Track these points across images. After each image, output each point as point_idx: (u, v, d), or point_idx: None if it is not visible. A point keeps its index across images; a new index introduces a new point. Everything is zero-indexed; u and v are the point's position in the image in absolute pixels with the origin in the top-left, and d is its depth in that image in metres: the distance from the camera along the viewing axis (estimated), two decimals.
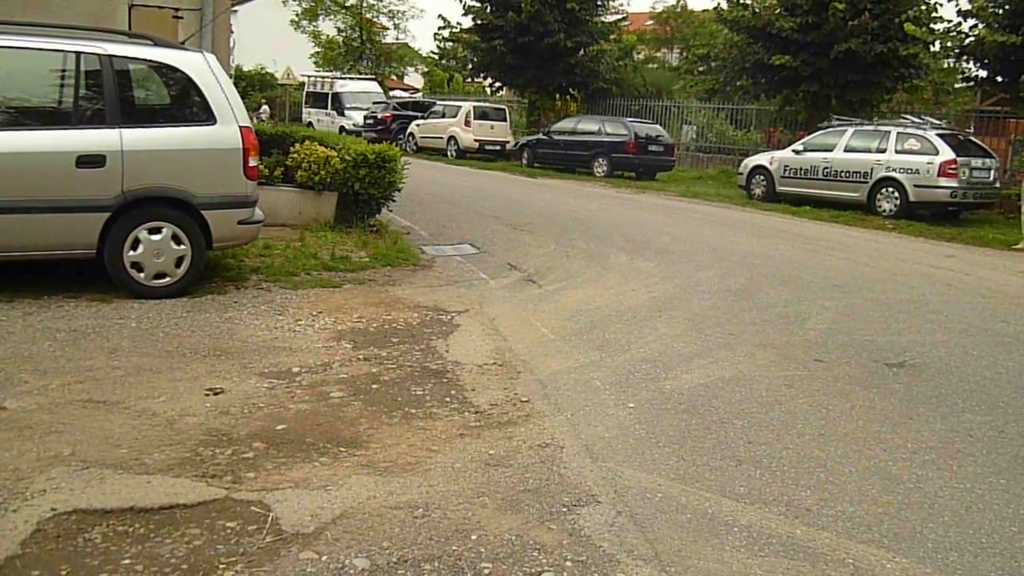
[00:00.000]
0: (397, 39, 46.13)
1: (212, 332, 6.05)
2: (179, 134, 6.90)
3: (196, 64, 6.99)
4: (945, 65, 20.81)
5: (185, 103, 7.07)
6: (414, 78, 51.76)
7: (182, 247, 6.84)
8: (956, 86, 22.94)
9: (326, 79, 36.38)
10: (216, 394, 4.81)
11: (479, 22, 29.39)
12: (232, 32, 15.62)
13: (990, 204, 16.34)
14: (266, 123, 27.56)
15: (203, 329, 6.10)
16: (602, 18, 30.15)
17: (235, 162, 6.99)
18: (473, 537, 3.39)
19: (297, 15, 43.91)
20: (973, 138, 17.34)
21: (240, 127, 7.00)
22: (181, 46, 7.68)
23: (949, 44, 18.84)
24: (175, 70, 6.96)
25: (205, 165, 6.94)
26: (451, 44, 33.79)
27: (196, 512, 3.46)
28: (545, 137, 24.69)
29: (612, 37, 30.55)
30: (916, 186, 15.44)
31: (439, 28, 33.23)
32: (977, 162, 15.51)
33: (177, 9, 10.64)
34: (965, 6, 17.85)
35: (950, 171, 15.08)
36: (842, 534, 3.61)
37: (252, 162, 7.11)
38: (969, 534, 3.67)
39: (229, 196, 7.03)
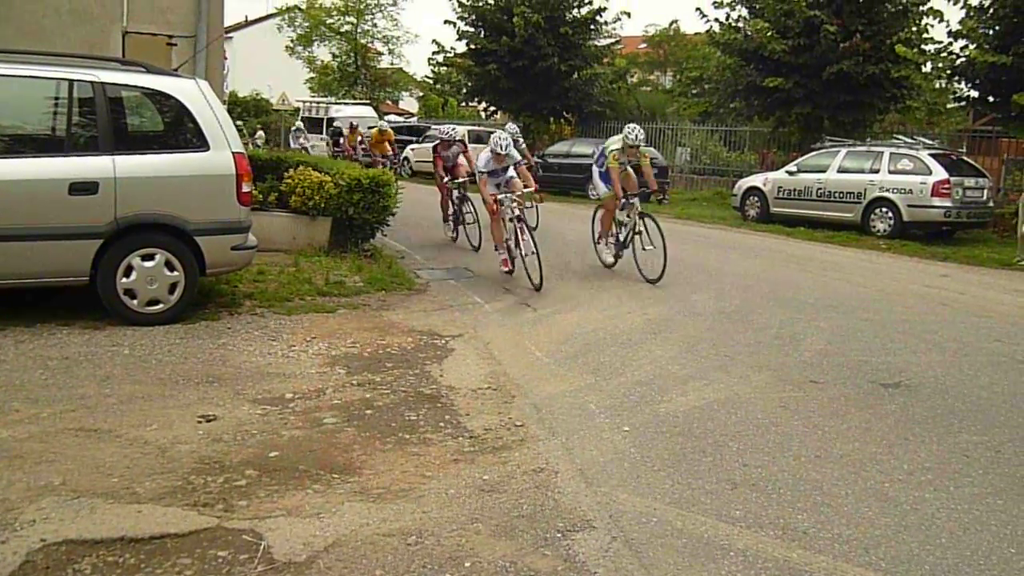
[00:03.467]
0: (392, 64, 46.28)
1: (205, 359, 6.03)
2: (172, 160, 6.91)
3: (189, 91, 7.01)
4: (937, 85, 20.87)
5: (178, 130, 7.07)
6: (409, 102, 51.94)
7: (175, 273, 6.83)
8: (948, 106, 23.04)
9: (321, 104, 36.47)
10: (208, 421, 4.78)
11: (473, 47, 29.52)
12: (226, 59, 15.68)
13: (984, 223, 16.36)
14: (261, 149, 27.63)
15: (196, 356, 6.08)
16: (595, 42, 30.26)
17: (228, 188, 6.99)
18: (467, 564, 3.36)
19: (292, 41, 44.09)
20: (966, 158, 17.38)
21: (233, 153, 7.01)
22: (174, 73, 7.70)
23: (940, 65, 18.93)
24: (168, 97, 6.98)
25: (198, 191, 6.94)
26: (445, 69, 33.90)
27: (187, 542, 3.43)
28: (540, 160, 24.72)
29: (605, 60, 30.69)
30: (910, 206, 15.46)
31: (433, 53, 33.31)
32: (970, 182, 15.54)
33: (171, 36, 10.68)
34: (955, 27, 17.95)
35: (943, 191, 15.11)
36: (839, 557, 3.58)
37: (245, 188, 7.11)
38: (967, 556, 3.64)
39: (222, 222, 7.02)
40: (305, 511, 3.75)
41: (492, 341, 7.09)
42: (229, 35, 37.60)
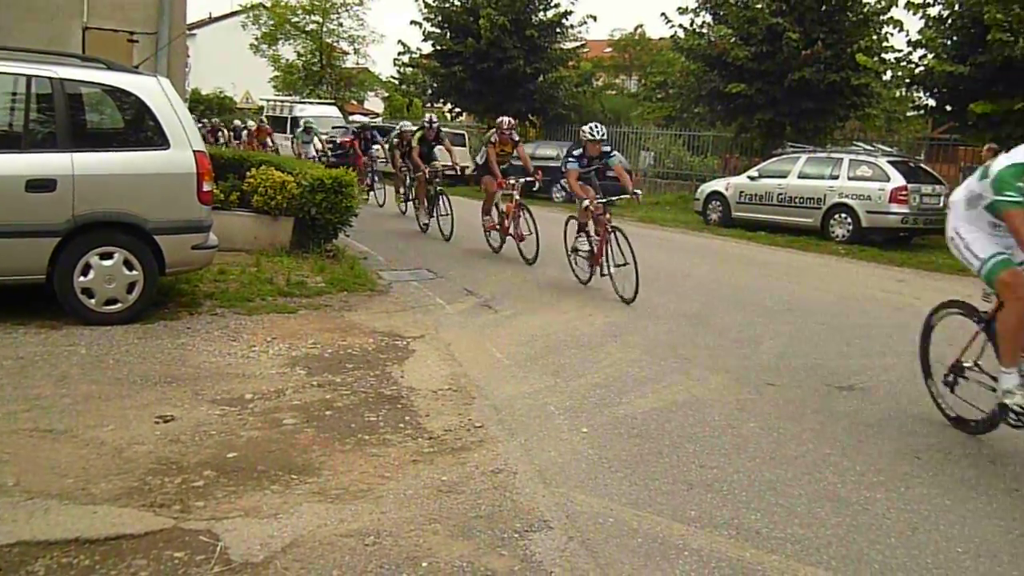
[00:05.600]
0: (357, 64, 46.05)
1: (164, 359, 5.98)
2: (132, 158, 6.85)
3: (149, 88, 6.95)
4: (896, 94, 21.22)
5: (138, 127, 7.02)
6: (374, 103, 51.72)
7: (134, 273, 6.77)
8: (907, 114, 23.43)
9: (285, 103, 36.19)
10: (166, 422, 4.75)
11: (439, 48, 29.53)
12: (188, 56, 15.56)
13: (940, 230, 16.56)
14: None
15: (154, 356, 6.03)
16: (561, 45, 30.41)
17: (189, 186, 6.94)
18: (424, 564, 3.37)
19: (256, 39, 43.71)
20: (923, 165, 17.69)
21: (194, 151, 6.96)
22: (135, 70, 7.64)
23: (900, 74, 19.27)
24: (128, 94, 6.91)
25: (158, 190, 6.88)
26: (411, 70, 33.80)
27: (143, 543, 3.41)
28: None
29: (571, 64, 30.81)
30: (868, 212, 15.70)
31: (399, 53, 33.20)
32: (927, 188, 15.81)
33: (132, 32, 10.58)
34: (915, 37, 18.28)
35: (901, 197, 15.36)
36: (791, 557, 3.64)
37: (206, 187, 7.06)
38: (915, 555, 3.72)
39: (182, 221, 6.97)
40: (263, 512, 3.75)
41: (453, 342, 7.11)
42: (192, 32, 37.27)
